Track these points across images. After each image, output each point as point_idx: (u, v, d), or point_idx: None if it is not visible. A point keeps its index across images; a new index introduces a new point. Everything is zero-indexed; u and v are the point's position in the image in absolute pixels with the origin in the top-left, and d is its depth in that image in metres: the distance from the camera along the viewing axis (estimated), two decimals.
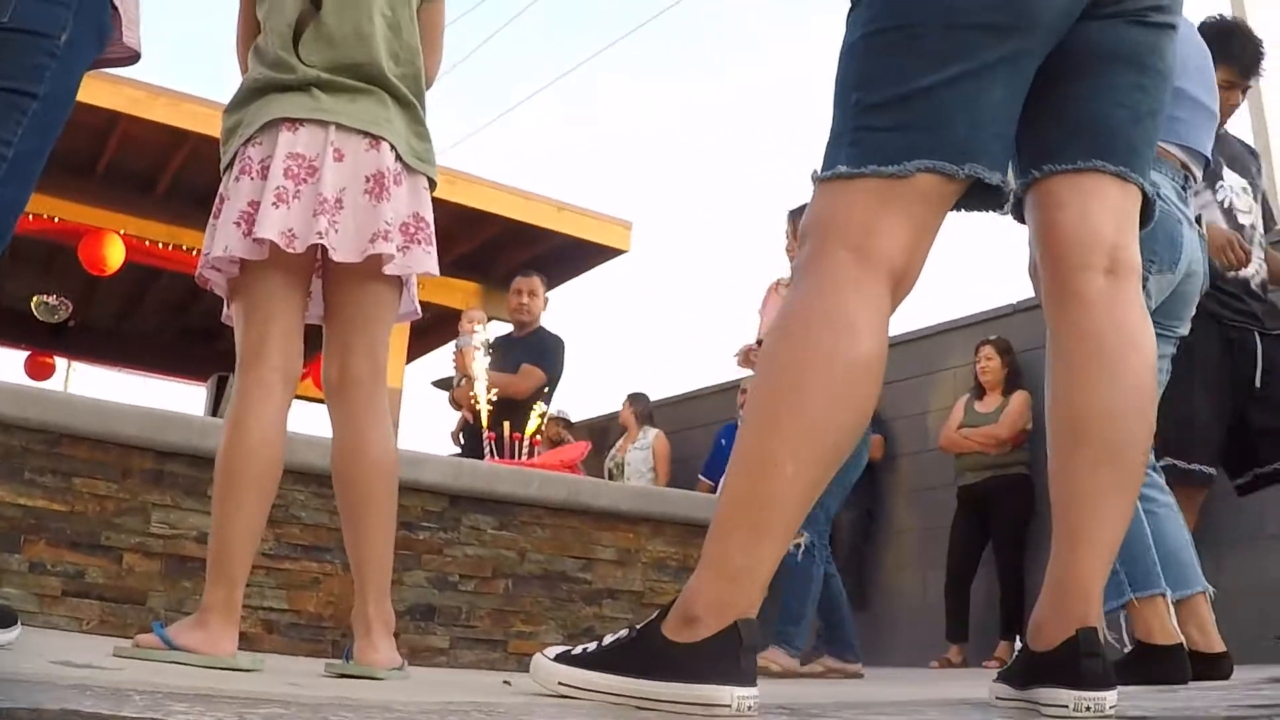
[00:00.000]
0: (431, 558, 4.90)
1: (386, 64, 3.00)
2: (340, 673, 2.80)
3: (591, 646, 2.04)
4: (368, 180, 2.90)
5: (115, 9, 2.51)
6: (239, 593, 2.78)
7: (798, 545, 5.51)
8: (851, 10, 2.11)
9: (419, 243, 2.98)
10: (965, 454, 7.83)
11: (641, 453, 9.99)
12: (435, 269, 3.00)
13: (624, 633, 2.01)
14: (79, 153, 9.53)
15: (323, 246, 2.86)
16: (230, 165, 2.95)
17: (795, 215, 5.98)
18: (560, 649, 2.08)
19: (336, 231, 2.84)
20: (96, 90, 8.33)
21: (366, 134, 2.93)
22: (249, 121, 2.93)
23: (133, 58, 2.72)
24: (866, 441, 6.20)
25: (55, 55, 2.33)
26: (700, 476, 9.55)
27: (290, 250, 2.81)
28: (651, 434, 10.05)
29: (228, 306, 3.01)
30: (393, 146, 2.96)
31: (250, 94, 2.96)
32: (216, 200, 2.94)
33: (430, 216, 3.04)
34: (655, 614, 1.97)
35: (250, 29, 3.11)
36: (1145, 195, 2.17)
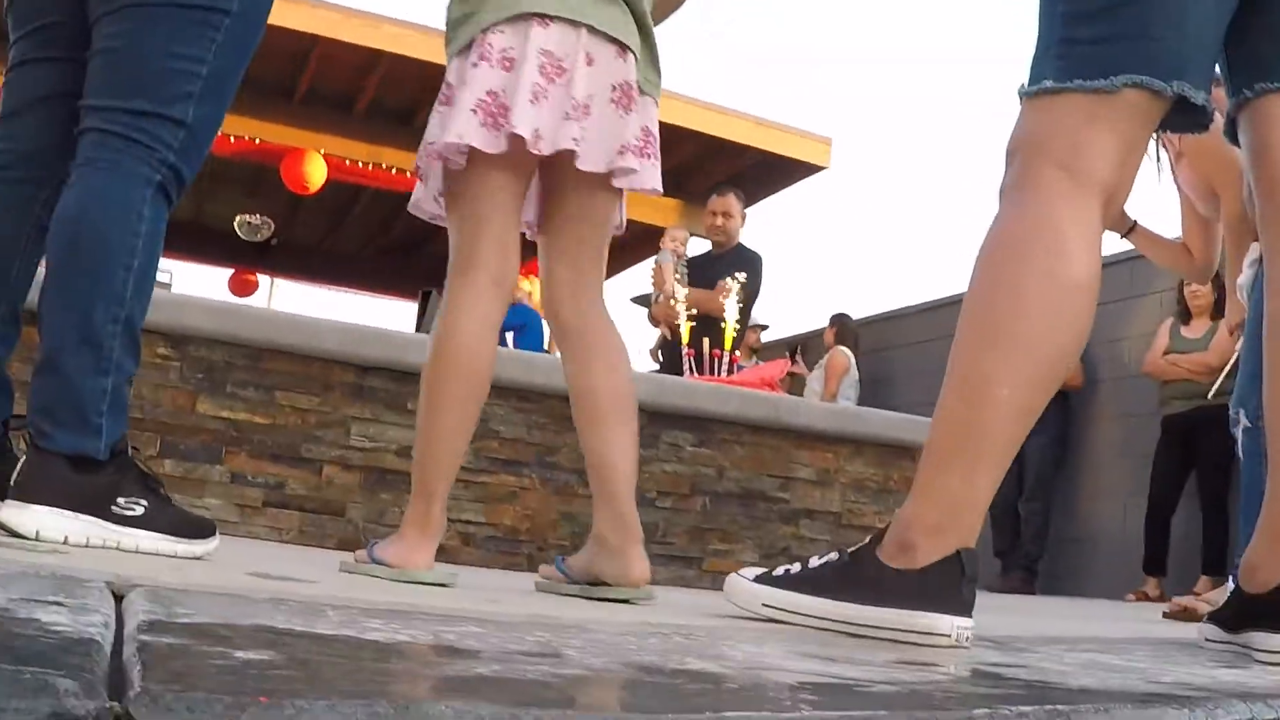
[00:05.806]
0: None
1: None
2: (598, 596, 2.62)
3: (795, 568, 1.98)
4: (614, 90, 2.79)
5: None
6: (437, 506, 2.70)
7: None
8: None
9: (649, 157, 2.84)
10: (1171, 381, 7.55)
11: (819, 371, 9.83)
12: (660, 186, 2.87)
13: (833, 555, 1.94)
14: (279, 76, 9.76)
15: (557, 154, 2.73)
16: (466, 50, 2.77)
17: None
18: (758, 570, 2.01)
19: (584, 140, 2.72)
20: (294, 14, 8.54)
21: (616, 41, 2.80)
22: (492, 8, 2.76)
23: None
24: None
25: None
26: None
27: (535, 151, 2.68)
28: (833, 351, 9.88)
29: (438, 197, 2.88)
30: (636, 58, 2.84)
31: None
32: (444, 87, 2.80)
33: (657, 132, 2.91)
34: (869, 538, 1.91)
35: None
36: None
